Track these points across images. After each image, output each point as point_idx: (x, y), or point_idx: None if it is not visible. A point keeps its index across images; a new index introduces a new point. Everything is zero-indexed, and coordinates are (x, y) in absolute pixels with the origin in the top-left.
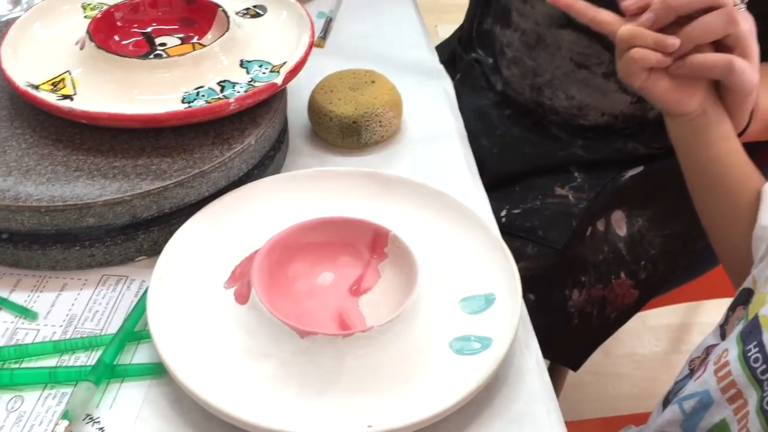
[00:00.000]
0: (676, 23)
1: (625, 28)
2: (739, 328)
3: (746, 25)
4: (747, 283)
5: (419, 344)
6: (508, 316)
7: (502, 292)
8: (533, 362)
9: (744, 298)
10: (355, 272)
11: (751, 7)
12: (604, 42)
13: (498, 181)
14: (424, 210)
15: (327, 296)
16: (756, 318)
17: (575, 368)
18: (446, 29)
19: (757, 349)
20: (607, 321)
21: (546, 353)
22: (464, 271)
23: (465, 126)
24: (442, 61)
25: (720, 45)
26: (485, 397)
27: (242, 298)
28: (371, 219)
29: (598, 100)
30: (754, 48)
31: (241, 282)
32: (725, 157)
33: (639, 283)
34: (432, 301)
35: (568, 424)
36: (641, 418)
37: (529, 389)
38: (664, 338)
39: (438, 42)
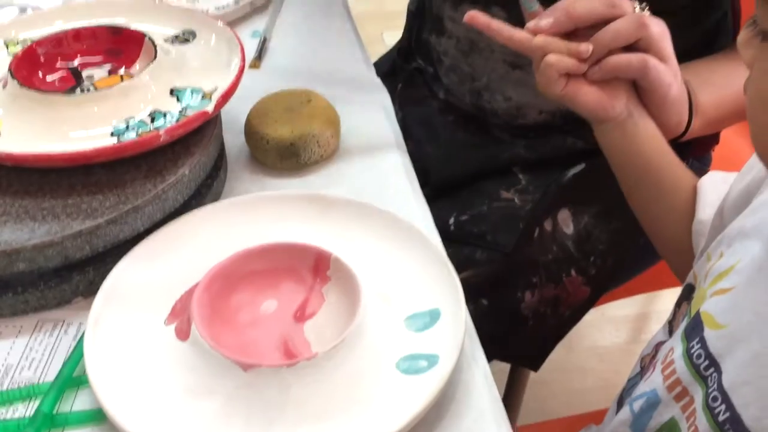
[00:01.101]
0: (588, 31)
1: (539, 38)
2: (683, 324)
3: (657, 28)
4: (689, 279)
5: (366, 367)
6: (453, 331)
7: (446, 307)
8: (481, 376)
9: (687, 294)
10: (299, 297)
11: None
12: None
13: (445, 187)
14: (365, 229)
15: (271, 324)
16: (698, 314)
17: (535, 369)
18: (392, 36)
19: (699, 345)
20: (562, 319)
21: (504, 356)
22: (408, 289)
23: (410, 135)
24: (384, 72)
25: (633, 49)
26: (435, 415)
27: (183, 334)
28: (313, 242)
29: (534, 98)
30: (668, 50)
31: (181, 318)
32: (656, 159)
33: (590, 279)
34: (377, 322)
35: (531, 426)
36: (602, 415)
37: (478, 404)
38: (624, 329)
39: (385, 50)
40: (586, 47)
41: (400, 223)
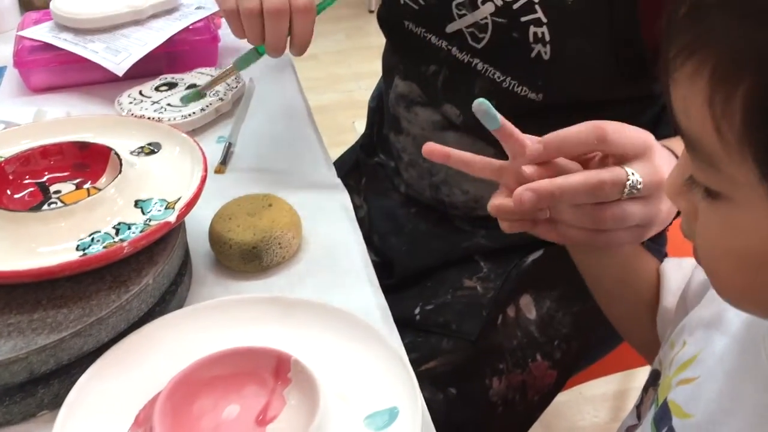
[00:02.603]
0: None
1: (491, 205)
2: (652, 412)
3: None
4: (655, 365)
5: None
6: (411, 428)
7: (404, 404)
8: None
9: (653, 380)
10: (260, 401)
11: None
12: (488, 139)
13: (410, 277)
14: (326, 330)
15: (233, 430)
16: (665, 403)
17: None
18: (363, 124)
19: None
20: (532, 404)
21: None
22: (367, 388)
23: (375, 228)
24: (349, 167)
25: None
26: None
27: None
28: (275, 344)
29: (490, 190)
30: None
31: (144, 427)
32: (630, 262)
33: (555, 363)
34: (337, 422)
35: None
36: None
37: None
38: (603, 408)
39: (356, 138)
40: (528, 197)
41: (358, 323)
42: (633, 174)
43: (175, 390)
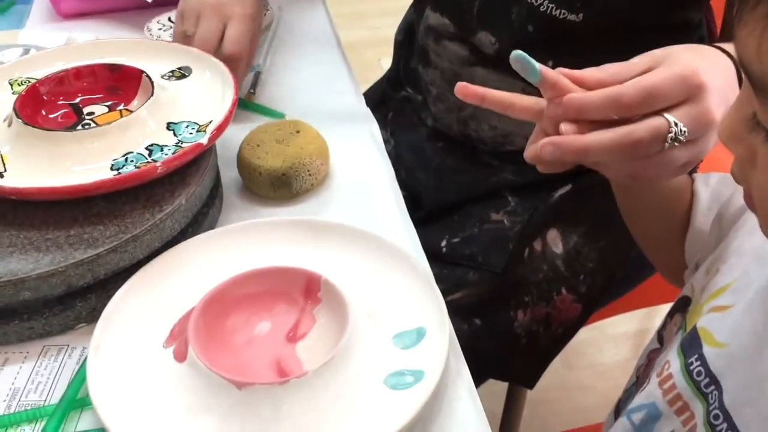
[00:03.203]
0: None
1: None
2: (679, 337)
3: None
4: (686, 291)
5: (355, 384)
6: (438, 348)
7: (432, 325)
8: (465, 390)
9: (682, 306)
10: (291, 319)
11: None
12: (514, 73)
13: (437, 211)
14: (355, 252)
15: (265, 346)
16: (695, 329)
17: (530, 386)
18: (389, 62)
19: (698, 363)
20: (555, 336)
21: (500, 375)
22: (395, 308)
23: (402, 162)
24: (375, 101)
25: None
26: (421, 429)
27: (181, 356)
28: (304, 266)
29: (518, 126)
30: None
31: (179, 340)
32: (672, 191)
33: (580, 297)
34: (365, 341)
35: None
36: (600, 429)
37: (463, 418)
38: (624, 346)
39: (384, 72)
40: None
41: (386, 246)
42: (676, 124)
43: (208, 305)
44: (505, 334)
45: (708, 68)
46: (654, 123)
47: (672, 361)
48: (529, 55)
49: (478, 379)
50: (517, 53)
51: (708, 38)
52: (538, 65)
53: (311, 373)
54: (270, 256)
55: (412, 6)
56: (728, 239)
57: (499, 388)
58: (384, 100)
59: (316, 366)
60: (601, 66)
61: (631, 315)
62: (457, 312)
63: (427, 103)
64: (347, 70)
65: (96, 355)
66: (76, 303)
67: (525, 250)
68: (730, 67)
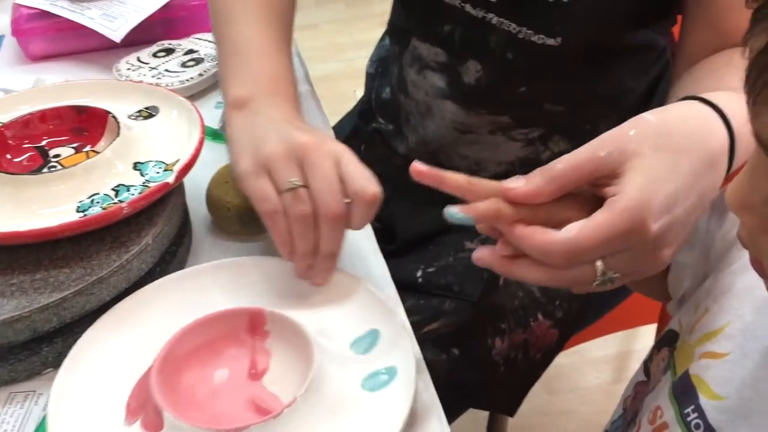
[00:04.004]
0: None
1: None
2: (668, 378)
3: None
4: (672, 325)
5: (339, 396)
6: (398, 340)
7: (383, 326)
8: (435, 420)
9: (669, 341)
10: (245, 359)
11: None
12: (483, 110)
13: (412, 242)
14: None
15: (231, 392)
16: (688, 376)
17: (511, 414)
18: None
19: (696, 415)
20: (534, 363)
21: (480, 404)
22: (345, 320)
23: None
24: (347, 134)
25: None
26: None
27: (154, 426)
28: (270, 302)
29: (491, 153)
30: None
31: (144, 412)
32: None
33: (557, 322)
34: (329, 355)
35: None
36: None
37: None
38: (605, 369)
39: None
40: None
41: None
42: (604, 273)
43: (162, 368)
44: (484, 362)
45: (673, 192)
46: (580, 272)
47: (665, 408)
48: (510, 84)
49: (459, 408)
50: (446, 213)
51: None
52: (467, 215)
53: (300, 398)
54: (238, 295)
55: (389, 38)
56: (717, 275)
57: (481, 416)
58: (356, 133)
59: (301, 391)
60: (548, 167)
61: (610, 338)
62: (435, 342)
63: (403, 131)
64: (316, 104)
65: (58, 404)
66: (42, 348)
67: (500, 278)
68: (716, 144)
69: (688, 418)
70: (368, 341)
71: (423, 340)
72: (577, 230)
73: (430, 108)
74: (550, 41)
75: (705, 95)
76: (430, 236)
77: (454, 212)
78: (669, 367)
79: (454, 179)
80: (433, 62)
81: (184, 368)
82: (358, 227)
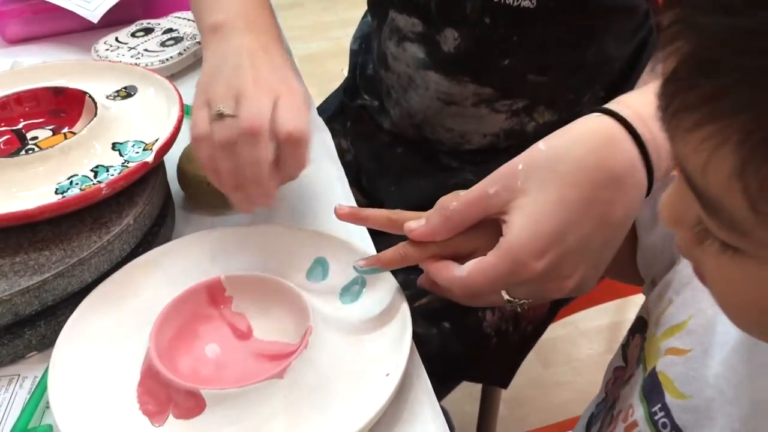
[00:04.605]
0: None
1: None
2: (640, 374)
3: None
4: (642, 312)
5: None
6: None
7: (329, 254)
8: (424, 393)
9: (640, 327)
10: (225, 328)
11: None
12: (466, 78)
13: None
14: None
15: (234, 357)
16: (655, 373)
17: (505, 386)
18: None
19: (663, 413)
20: (525, 334)
21: (473, 377)
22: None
23: (364, 170)
24: (333, 111)
25: None
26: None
27: (190, 413)
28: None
29: (475, 125)
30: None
31: (173, 404)
32: None
33: None
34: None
35: None
36: (575, 422)
37: (423, 420)
38: (598, 340)
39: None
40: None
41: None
42: (509, 302)
43: (161, 355)
44: (475, 335)
45: (558, 226)
46: (489, 299)
47: (635, 406)
48: (490, 52)
49: (452, 382)
50: (354, 268)
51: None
52: (374, 266)
53: (312, 330)
54: (221, 264)
55: (369, 12)
56: (679, 266)
57: (475, 390)
58: (342, 110)
59: (309, 322)
60: (444, 206)
61: (602, 309)
62: (425, 317)
63: (386, 106)
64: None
65: (54, 378)
66: (25, 331)
67: None
68: (618, 161)
69: (656, 417)
70: (320, 270)
71: (414, 315)
72: (467, 271)
73: (412, 80)
74: (526, 3)
75: (614, 104)
76: (416, 209)
77: (361, 267)
78: (641, 360)
79: (375, 217)
80: (410, 33)
81: (176, 358)
82: (292, 173)
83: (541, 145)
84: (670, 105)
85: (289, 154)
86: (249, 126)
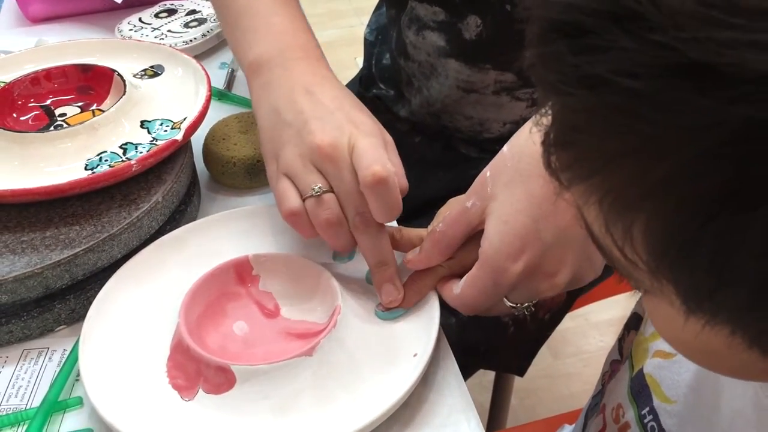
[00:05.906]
0: None
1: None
2: (626, 371)
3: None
4: (636, 307)
5: (362, 304)
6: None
7: None
8: (452, 376)
9: (635, 323)
10: (252, 306)
11: None
12: (487, 65)
13: (419, 207)
14: None
15: (262, 335)
16: (642, 375)
17: (521, 374)
18: None
19: (651, 417)
20: (542, 323)
21: (490, 365)
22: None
23: None
24: None
25: None
26: (409, 414)
27: (219, 388)
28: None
29: (495, 113)
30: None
31: (203, 378)
32: None
33: None
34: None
35: (514, 429)
36: (578, 414)
37: (450, 401)
38: (608, 333)
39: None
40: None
41: None
42: (514, 306)
43: (192, 333)
44: (493, 324)
45: (528, 223)
46: (495, 309)
47: (626, 407)
48: (512, 39)
49: (469, 370)
50: (376, 315)
51: None
52: (396, 310)
53: (341, 308)
54: (248, 244)
55: (385, 3)
56: None
57: (485, 379)
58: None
59: (338, 301)
60: (432, 230)
61: (614, 302)
62: (444, 306)
63: (405, 95)
64: None
65: (85, 350)
66: (55, 305)
67: None
68: None
69: (645, 420)
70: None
71: None
72: (460, 288)
73: (434, 68)
74: None
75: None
76: (437, 201)
77: (382, 313)
78: (628, 357)
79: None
80: (431, 21)
81: (204, 335)
82: (380, 217)
83: (504, 148)
84: (549, 165)
85: (370, 199)
86: (357, 215)
